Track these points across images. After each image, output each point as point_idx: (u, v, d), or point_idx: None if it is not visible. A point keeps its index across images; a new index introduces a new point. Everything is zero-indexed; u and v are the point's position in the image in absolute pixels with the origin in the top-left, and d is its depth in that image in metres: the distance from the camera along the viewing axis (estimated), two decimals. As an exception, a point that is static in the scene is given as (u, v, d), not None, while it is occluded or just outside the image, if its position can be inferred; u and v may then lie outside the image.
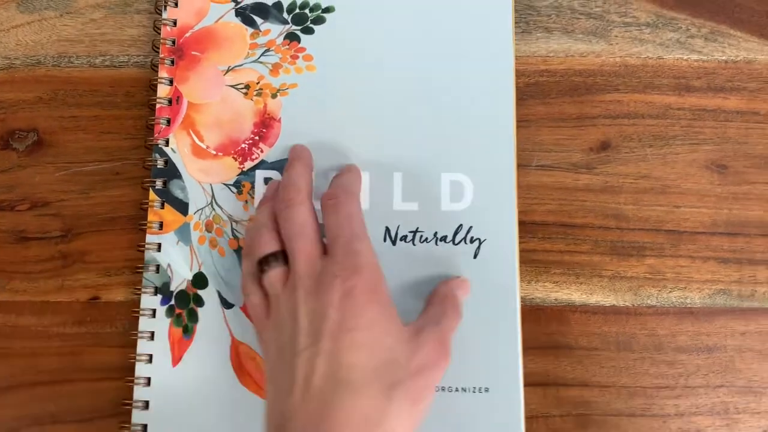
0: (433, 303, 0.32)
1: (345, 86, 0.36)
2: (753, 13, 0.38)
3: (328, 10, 0.37)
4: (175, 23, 0.37)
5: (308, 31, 0.37)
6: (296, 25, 0.37)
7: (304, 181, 0.32)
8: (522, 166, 0.36)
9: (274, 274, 0.30)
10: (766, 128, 0.37)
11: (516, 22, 0.37)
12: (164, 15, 0.37)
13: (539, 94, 0.37)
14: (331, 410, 0.26)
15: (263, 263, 0.30)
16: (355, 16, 0.37)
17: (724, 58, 0.38)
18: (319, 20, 0.37)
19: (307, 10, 0.37)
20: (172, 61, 0.36)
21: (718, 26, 0.38)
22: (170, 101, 0.36)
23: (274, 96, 0.36)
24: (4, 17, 0.38)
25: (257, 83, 0.36)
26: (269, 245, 0.31)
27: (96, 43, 0.38)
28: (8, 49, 0.38)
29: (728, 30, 0.38)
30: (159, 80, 0.36)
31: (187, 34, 0.37)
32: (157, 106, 0.36)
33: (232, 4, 0.37)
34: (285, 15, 0.37)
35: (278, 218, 0.31)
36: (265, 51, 0.36)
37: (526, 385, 0.33)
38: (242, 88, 0.36)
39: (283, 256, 0.30)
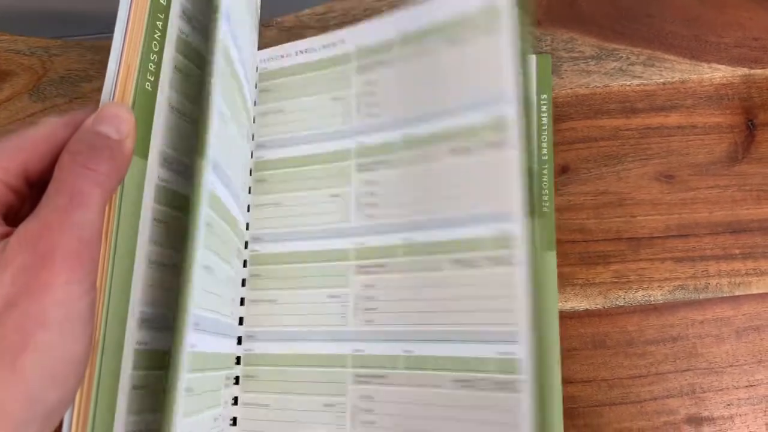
0: (54, 174, 0.23)
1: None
2: (682, 38, 0.43)
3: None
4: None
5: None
6: None
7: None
8: (495, 194, 0.41)
9: None
10: (704, 139, 0.42)
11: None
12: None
13: (503, 128, 0.42)
14: None
15: None
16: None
17: (662, 80, 0.43)
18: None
19: None
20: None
21: (654, 53, 0.43)
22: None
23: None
24: (19, 107, 0.43)
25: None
26: None
27: (104, 122, 0.42)
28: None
29: (663, 55, 0.43)
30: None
31: None
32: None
33: None
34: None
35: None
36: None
37: (518, 387, 0.38)
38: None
39: None
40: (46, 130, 0.24)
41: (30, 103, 0.43)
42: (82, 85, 0.43)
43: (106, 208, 0.24)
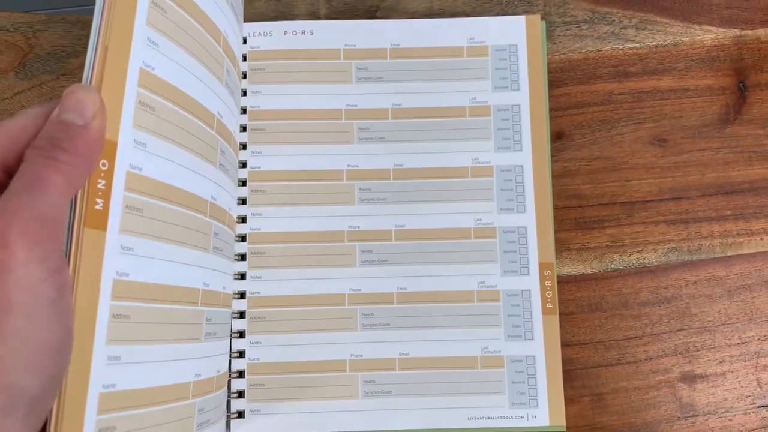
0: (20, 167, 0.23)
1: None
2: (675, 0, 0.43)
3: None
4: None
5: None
6: None
7: None
8: (490, 162, 0.41)
9: None
10: (696, 102, 0.42)
11: (469, 34, 0.42)
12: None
13: (497, 96, 0.42)
14: None
15: None
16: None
17: (654, 43, 0.43)
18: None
19: None
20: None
21: (646, 15, 0.43)
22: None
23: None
24: (6, 86, 0.42)
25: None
26: None
27: (94, 99, 0.42)
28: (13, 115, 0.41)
29: (655, 18, 0.43)
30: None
31: None
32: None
33: None
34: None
35: None
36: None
37: (517, 352, 0.38)
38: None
39: None
40: (25, 121, 0.24)
41: (17, 81, 0.42)
42: (69, 60, 0.42)
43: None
